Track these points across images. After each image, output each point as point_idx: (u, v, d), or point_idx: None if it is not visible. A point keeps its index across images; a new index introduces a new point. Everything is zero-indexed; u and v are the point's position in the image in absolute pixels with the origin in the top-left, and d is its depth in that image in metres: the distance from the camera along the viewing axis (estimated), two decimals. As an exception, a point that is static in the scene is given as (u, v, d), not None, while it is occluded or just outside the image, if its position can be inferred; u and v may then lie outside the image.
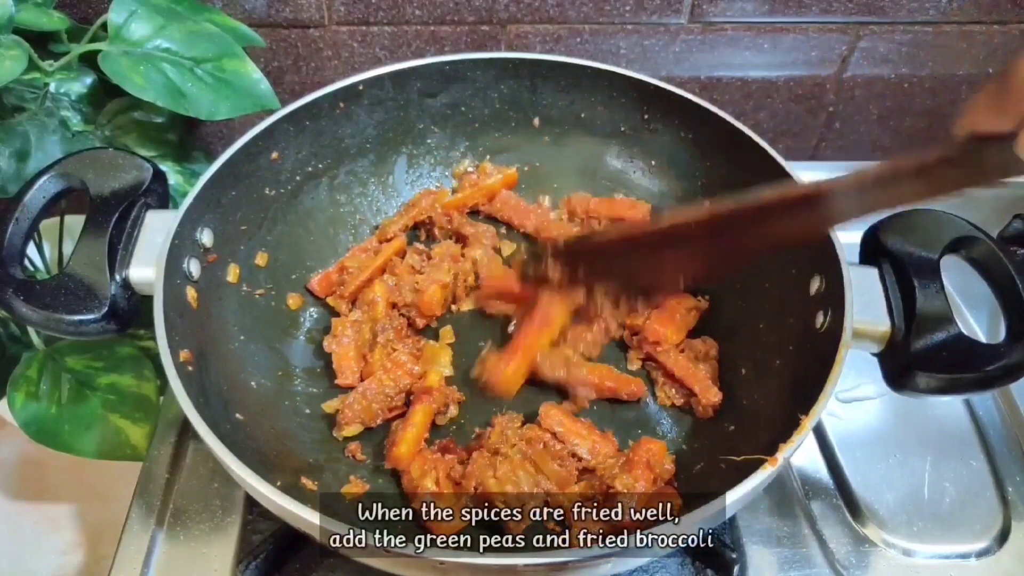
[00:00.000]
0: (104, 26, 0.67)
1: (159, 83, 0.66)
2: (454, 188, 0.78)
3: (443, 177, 0.78)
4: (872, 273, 0.57)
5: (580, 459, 0.59)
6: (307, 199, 0.71)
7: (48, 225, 0.74)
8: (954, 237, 0.57)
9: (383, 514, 0.58)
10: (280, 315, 0.68)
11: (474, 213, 0.77)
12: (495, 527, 0.56)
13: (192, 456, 0.66)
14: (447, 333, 0.68)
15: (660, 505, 0.55)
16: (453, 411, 0.63)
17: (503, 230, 0.76)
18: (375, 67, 0.70)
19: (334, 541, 0.46)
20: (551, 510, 0.57)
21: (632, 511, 0.53)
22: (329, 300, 0.70)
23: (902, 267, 0.56)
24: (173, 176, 0.76)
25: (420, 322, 0.68)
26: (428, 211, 0.74)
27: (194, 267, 0.60)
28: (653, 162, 0.76)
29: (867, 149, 0.96)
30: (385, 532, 0.44)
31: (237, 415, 0.57)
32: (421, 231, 0.76)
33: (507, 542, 0.55)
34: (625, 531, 0.52)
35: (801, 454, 0.67)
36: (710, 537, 0.59)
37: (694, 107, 0.69)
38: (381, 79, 0.71)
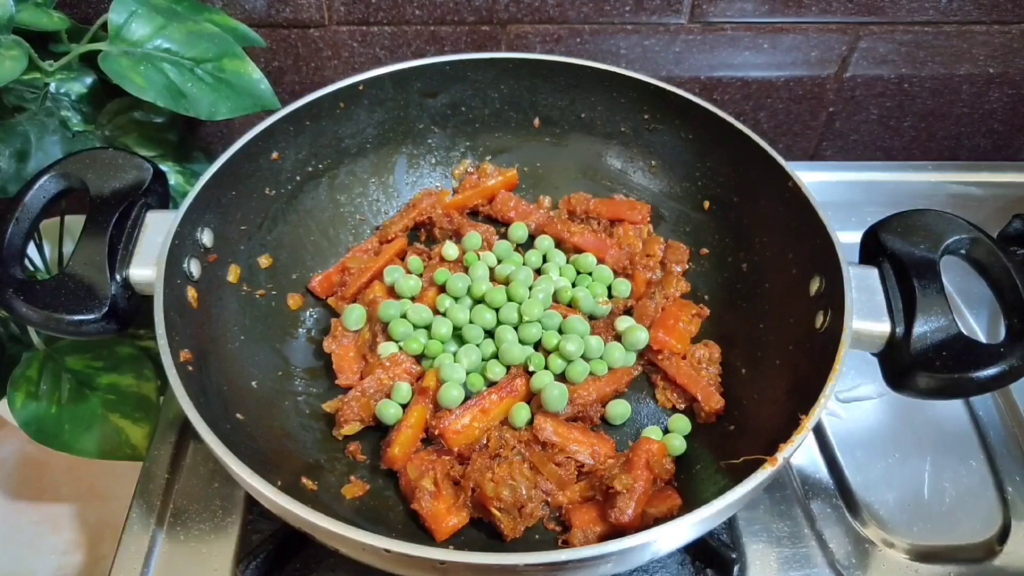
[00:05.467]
0: (104, 26, 0.67)
1: (159, 83, 0.66)
2: (454, 188, 0.78)
3: (443, 177, 0.78)
4: (872, 273, 0.57)
5: (581, 463, 0.59)
6: (307, 199, 0.71)
7: (48, 225, 0.75)
8: (954, 237, 0.57)
9: (383, 514, 0.58)
10: (280, 315, 0.68)
11: (474, 213, 0.77)
12: (495, 527, 0.56)
13: (192, 456, 0.66)
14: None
15: (660, 505, 0.55)
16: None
17: (503, 230, 0.76)
18: (375, 67, 0.70)
19: (334, 541, 0.46)
20: (551, 510, 0.57)
21: (632, 511, 0.53)
22: (330, 300, 0.70)
23: (902, 267, 0.56)
24: (173, 176, 0.76)
25: (420, 322, 0.68)
26: (428, 212, 0.74)
27: (194, 267, 0.60)
28: (653, 162, 0.76)
29: (867, 149, 0.96)
30: (385, 532, 0.44)
31: (237, 415, 0.57)
32: (421, 232, 0.76)
33: (507, 542, 0.55)
34: (625, 531, 0.52)
35: (801, 454, 0.67)
36: (710, 537, 0.59)
37: (694, 107, 0.69)
38: (381, 79, 0.71)
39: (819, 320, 0.57)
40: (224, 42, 0.70)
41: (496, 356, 0.64)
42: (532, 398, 0.62)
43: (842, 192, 0.89)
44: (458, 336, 0.66)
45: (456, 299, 0.67)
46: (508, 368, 0.63)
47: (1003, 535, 0.63)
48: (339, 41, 0.83)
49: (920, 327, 0.53)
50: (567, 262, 0.72)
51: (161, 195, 0.62)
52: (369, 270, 0.70)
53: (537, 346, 0.65)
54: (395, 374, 0.63)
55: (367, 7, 0.81)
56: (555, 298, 0.68)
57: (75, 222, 0.73)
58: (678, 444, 0.60)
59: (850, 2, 0.82)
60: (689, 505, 0.47)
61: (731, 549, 0.60)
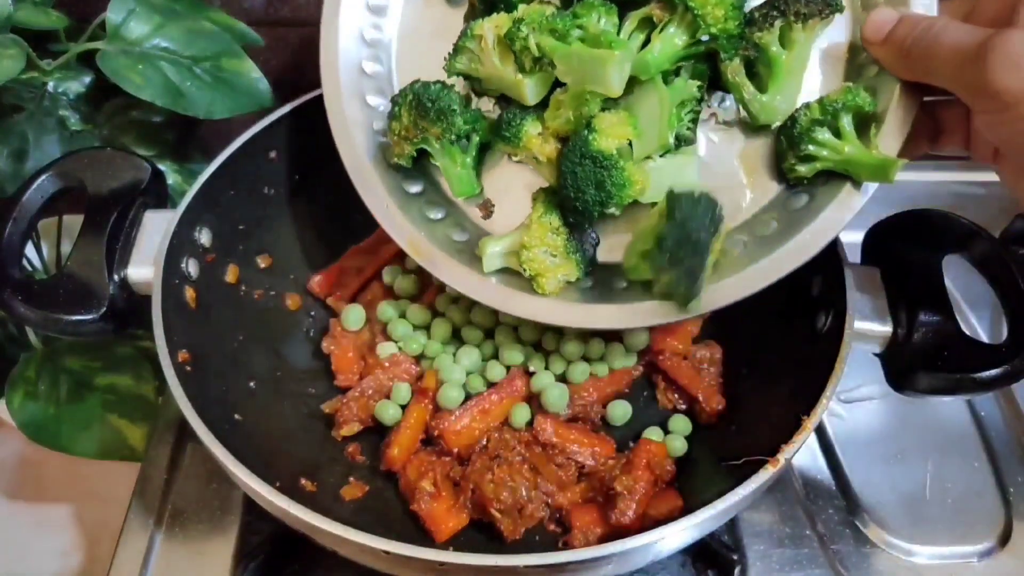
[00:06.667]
0: (102, 25, 0.67)
1: (157, 82, 0.66)
2: (454, 188, 0.78)
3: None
4: (874, 273, 0.57)
5: (581, 464, 0.58)
6: (306, 198, 0.71)
7: (46, 225, 0.74)
8: (955, 237, 0.57)
9: (382, 515, 0.58)
10: (279, 315, 0.68)
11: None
12: (495, 527, 0.55)
13: (191, 457, 0.66)
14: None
15: (661, 506, 0.55)
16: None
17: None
18: (374, 66, 0.70)
19: (333, 542, 0.46)
20: (551, 511, 0.57)
21: (633, 512, 0.53)
22: (328, 300, 0.70)
23: (904, 267, 0.56)
24: (171, 175, 0.75)
25: (420, 322, 0.68)
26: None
27: (193, 267, 0.60)
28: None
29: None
30: (384, 533, 0.44)
31: (236, 415, 0.57)
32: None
33: (507, 543, 0.55)
34: (625, 532, 0.52)
35: (803, 455, 0.67)
36: (711, 538, 0.59)
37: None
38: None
39: (820, 320, 0.57)
40: (222, 41, 0.69)
41: (496, 357, 0.64)
42: (532, 399, 0.62)
43: (843, 192, 0.89)
44: (457, 337, 0.65)
45: (455, 299, 0.66)
46: (508, 368, 0.63)
47: (1005, 536, 0.62)
48: (338, 40, 0.83)
49: (922, 327, 0.53)
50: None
51: (159, 194, 0.62)
52: (368, 270, 0.69)
53: (537, 347, 0.65)
54: (394, 375, 0.63)
55: (366, 6, 0.80)
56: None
57: (73, 222, 0.73)
58: (679, 445, 0.60)
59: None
60: (690, 506, 0.46)
61: (732, 550, 0.60)
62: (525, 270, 0.53)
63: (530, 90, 0.52)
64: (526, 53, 0.50)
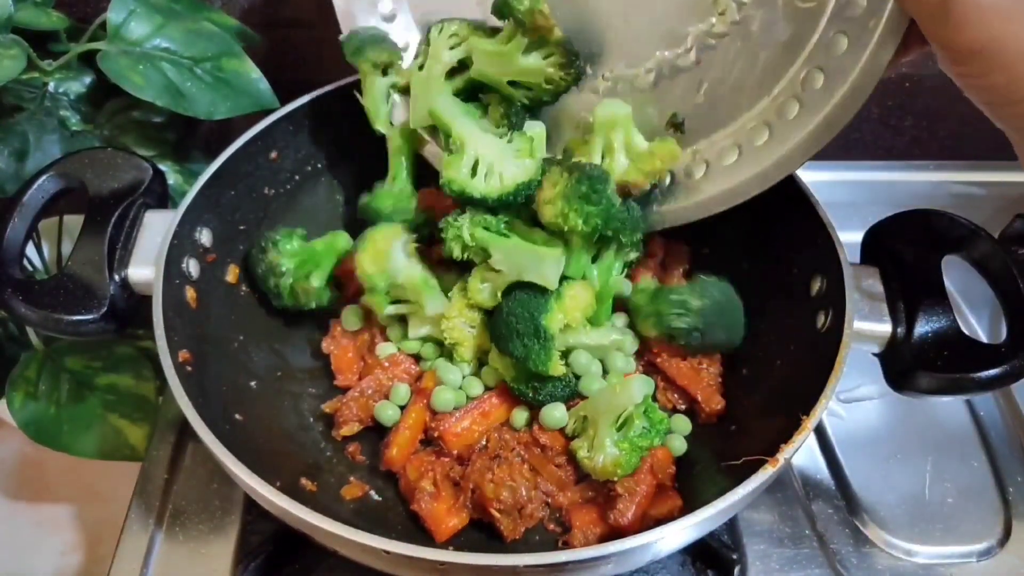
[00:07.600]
0: (103, 25, 0.67)
1: (158, 82, 0.66)
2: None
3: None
4: (873, 273, 0.57)
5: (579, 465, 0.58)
6: (307, 199, 0.71)
7: (47, 225, 0.74)
8: (955, 237, 0.57)
9: (383, 515, 0.58)
10: (280, 315, 0.68)
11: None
12: (495, 527, 0.55)
13: (191, 456, 0.66)
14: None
15: (660, 506, 0.55)
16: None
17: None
18: (375, 66, 0.70)
19: (333, 542, 0.46)
20: (551, 511, 0.57)
21: (632, 514, 0.53)
22: (329, 300, 0.70)
23: (904, 267, 0.56)
24: (172, 176, 0.76)
25: (420, 322, 0.68)
26: (429, 211, 0.74)
27: (193, 267, 0.60)
28: (653, 162, 0.76)
29: (868, 148, 0.96)
30: (384, 533, 0.44)
31: (236, 415, 0.57)
32: (421, 231, 0.75)
33: (507, 543, 0.55)
34: (624, 532, 0.52)
35: (802, 454, 0.67)
36: (711, 538, 0.59)
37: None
38: (381, 78, 0.71)
39: (820, 320, 0.57)
40: (223, 41, 0.70)
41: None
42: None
43: (843, 192, 0.89)
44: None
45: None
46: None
47: (1005, 536, 0.62)
48: (338, 40, 0.83)
49: (921, 327, 0.53)
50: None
51: (160, 195, 0.62)
52: (368, 270, 0.69)
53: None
54: (394, 375, 0.63)
55: (367, 6, 0.80)
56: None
57: (74, 222, 0.73)
58: (679, 445, 0.60)
59: (851, 1, 0.82)
60: (690, 506, 0.46)
61: (732, 550, 0.60)
62: (446, 337, 0.59)
63: (431, 306, 0.60)
64: (457, 241, 0.57)
